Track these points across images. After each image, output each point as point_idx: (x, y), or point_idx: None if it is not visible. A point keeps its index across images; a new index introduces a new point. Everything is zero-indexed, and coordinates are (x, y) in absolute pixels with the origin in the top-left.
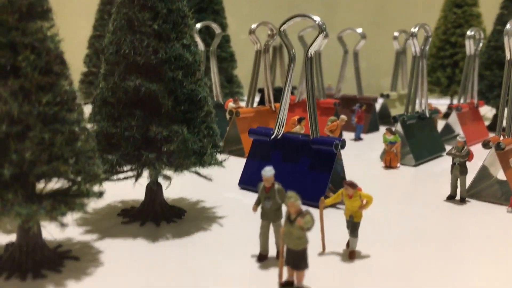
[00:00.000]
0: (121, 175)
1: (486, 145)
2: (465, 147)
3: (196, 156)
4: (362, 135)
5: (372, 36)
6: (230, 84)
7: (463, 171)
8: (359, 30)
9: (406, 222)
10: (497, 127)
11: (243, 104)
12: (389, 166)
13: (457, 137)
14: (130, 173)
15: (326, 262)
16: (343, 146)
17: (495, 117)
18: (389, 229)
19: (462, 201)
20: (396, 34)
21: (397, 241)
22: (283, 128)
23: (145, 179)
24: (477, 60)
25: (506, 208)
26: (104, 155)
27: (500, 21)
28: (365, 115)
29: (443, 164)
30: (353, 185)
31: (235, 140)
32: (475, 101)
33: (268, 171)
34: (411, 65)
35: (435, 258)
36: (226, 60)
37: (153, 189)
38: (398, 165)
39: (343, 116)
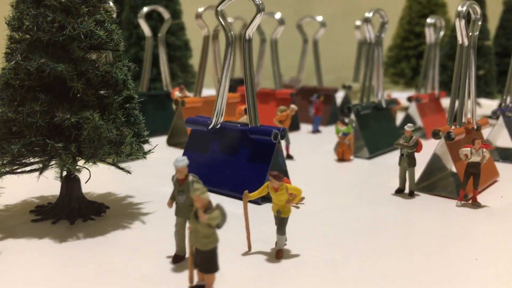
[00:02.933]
0: (27, 168)
1: (436, 135)
2: (413, 137)
3: (111, 146)
4: (321, 127)
5: (342, 27)
6: (184, 74)
7: (411, 162)
8: (319, 18)
9: (348, 217)
10: (447, 117)
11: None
12: (341, 158)
13: (405, 126)
14: (36, 166)
15: (251, 262)
16: (283, 136)
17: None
18: (328, 225)
19: (411, 194)
20: (358, 23)
21: (334, 238)
22: (222, 117)
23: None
24: (438, 50)
25: (456, 202)
26: (5, 145)
27: None
28: (324, 106)
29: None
30: (278, 177)
31: (182, 132)
32: (436, 92)
33: (180, 161)
34: (366, 53)
35: (370, 255)
36: (181, 48)
37: (70, 183)
38: (351, 157)
39: (293, 106)
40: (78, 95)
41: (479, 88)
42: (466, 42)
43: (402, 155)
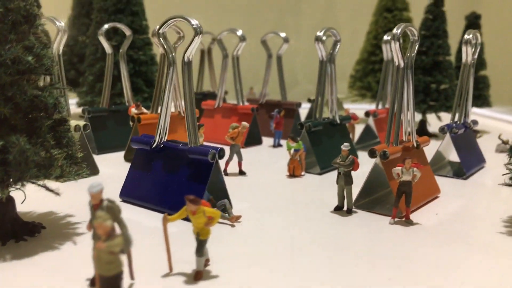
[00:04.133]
0: None
1: (372, 154)
2: (350, 156)
3: (39, 169)
4: (283, 141)
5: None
6: (150, 89)
7: (348, 181)
8: (283, 35)
9: (280, 235)
10: (386, 135)
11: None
12: (292, 174)
13: (342, 146)
14: None
15: (169, 283)
16: (221, 156)
17: (421, 122)
18: (257, 244)
19: (349, 212)
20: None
21: (259, 258)
22: (166, 136)
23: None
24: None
25: (389, 220)
26: None
27: (425, 25)
28: (287, 120)
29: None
30: (194, 201)
31: None
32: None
33: (94, 187)
34: (318, 70)
35: (294, 275)
36: (146, 63)
37: (2, 204)
38: (303, 173)
39: (244, 123)
40: (4, 119)
41: (440, 103)
42: (402, 64)
43: (339, 173)
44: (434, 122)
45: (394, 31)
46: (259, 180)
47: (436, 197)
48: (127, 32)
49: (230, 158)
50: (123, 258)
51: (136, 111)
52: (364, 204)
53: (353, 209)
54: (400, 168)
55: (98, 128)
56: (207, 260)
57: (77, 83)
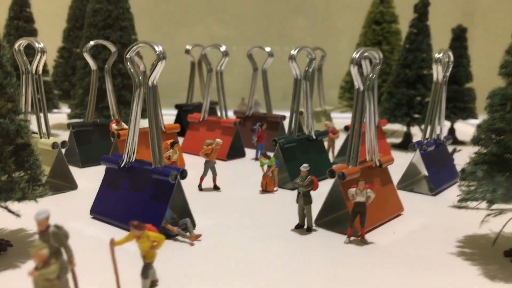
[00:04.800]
0: None
1: (331, 174)
2: (309, 177)
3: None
4: None
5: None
6: None
7: (307, 200)
8: (267, 49)
9: (239, 253)
10: (346, 155)
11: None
12: (265, 190)
13: (301, 167)
14: None
15: None
16: (183, 177)
17: (406, 135)
18: (213, 262)
19: (309, 230)
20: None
21: (213, 276)
22: (134, 155)
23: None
24: (376, 81)
25: (344, 239)
26: None
27: (409, 39)
28: (271, 133)
29: (324, 187)
30: (138, 227)
31: None
32: (376, 120)
33: (40, 214)
34: (293, 87)
35: None
36: None
37: None
38: (275, 188)
39: (218, 140)
40: None
41: (424, 115)
42: (361, 87)
43: (299, 193)
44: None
45: (353, 55)
46: (232, 195)
47: (399, 215)
48: (112, 48)
49: (205, 174)
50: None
51: (116, 127)
52: (325, 222)
53: (314, 227)
54: (354, 189)
55: (82, 142)
56: (156, 281)
57: (69, 95)
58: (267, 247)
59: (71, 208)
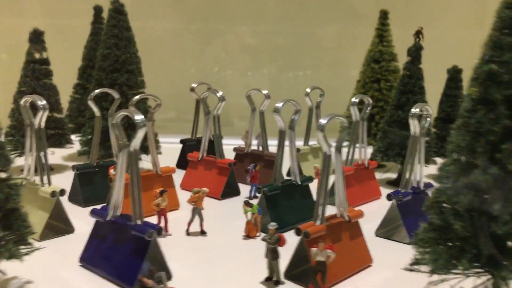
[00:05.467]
0: None
1: (297, 232)
2: (276, 234)
3: None
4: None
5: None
6: (144, 141)
7: (274, 256)
8: (265, 92)
9: None
10: (314, 214)
11: None
12: (248, 235)
13: (268, 225)
14: None
15: None
16: (159, 233)
17: (399, 174)
18: None
19: (276, 284)
20: (308, 90)
21: None
22: (120, 209)
23: None
24: (365, 125)
25: None
26: None
27: (402, 82)
28: (267, 171)
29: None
30: None
31: None
32: (366, 162)
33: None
34: (278, 138)
35: None
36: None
37: None
38: (258, 234)
39: (204, 189)
40: None
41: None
42: (328, 152)
43: (268, 248)
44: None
45: (321, 121)
46: (215, 241)
47: (368, 266)
48: (115, 95)
49: (192, 220)
50: None
51: (113, 172)
52: (293, 275)
53: (282, 280)
54: (315, 249)
55: (85, 183)
56: None
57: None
58: None
59: (64, 254)
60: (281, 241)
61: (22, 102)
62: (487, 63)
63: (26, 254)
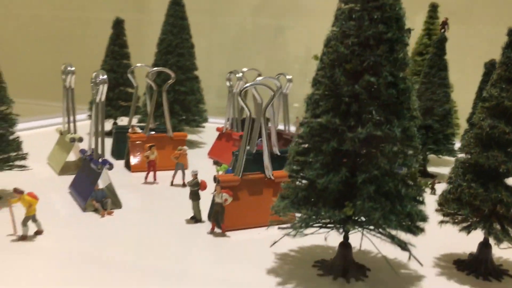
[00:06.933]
0: None
1: (214, 179)
2: (196, 179)
3: None
4: None
5: None
6: (185, 113)
7: (194, 198)
8: (289, 77)
9: (128, 238)
10: (237, 168)
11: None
12: None
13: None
14: None
15: None
16: (109, 168)
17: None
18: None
19: (196, 222)
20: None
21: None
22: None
23: None
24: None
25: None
26: None
27: (424, 72)
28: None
29: None
30: (16, 191)
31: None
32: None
33: None
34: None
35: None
36: (185, 93)
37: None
38: None
39: (185, 147)
40: None
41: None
42: (254, 116)
43: (190, 191)
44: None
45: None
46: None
47: None
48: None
49: (175, 173)
50: None
51: (130, 131)
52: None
53: (203, 220)
54: (214, 192)
55: (119, 141)
56: (40, 231)
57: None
58: (157, 231)
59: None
60: (201, 186)
61: (62, 67)
62: None
63: (10, 169)
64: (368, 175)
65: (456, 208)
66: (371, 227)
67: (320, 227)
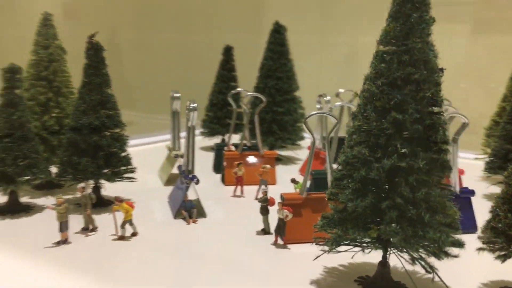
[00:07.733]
0: None
1: (280, 198)
2: (265, 196)
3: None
4: None
5: None
6: (282, 132)
7: (263, 212)
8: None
9: (204, 235)
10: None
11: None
12: None
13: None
14: None
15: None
16: (196, 183)
17: None
18: (186, 241)
19: (264, 233)
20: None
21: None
22: (193, 168)
23: None
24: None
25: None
26: None
27: None
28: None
29: None
30: (117, 200)
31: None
32: None
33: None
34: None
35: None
36: (283, 113)
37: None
38: None
39: (268, 166)
40: None
41: None
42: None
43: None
44: None
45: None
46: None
47: None
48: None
49: (259, 188)
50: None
51: (226, 148)
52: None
53: (271, 232)
54: (278, 208)
55: (219, 156)
56: (136, 233)
57: None
58: (230, 238)
59: (164, 193)
60: (269, 202)
61: (170, 94)
62: None
63: (120, 180)
64: (391, 202)
65: (493, 236)
66: (394, 250)
67: (350, 245)
